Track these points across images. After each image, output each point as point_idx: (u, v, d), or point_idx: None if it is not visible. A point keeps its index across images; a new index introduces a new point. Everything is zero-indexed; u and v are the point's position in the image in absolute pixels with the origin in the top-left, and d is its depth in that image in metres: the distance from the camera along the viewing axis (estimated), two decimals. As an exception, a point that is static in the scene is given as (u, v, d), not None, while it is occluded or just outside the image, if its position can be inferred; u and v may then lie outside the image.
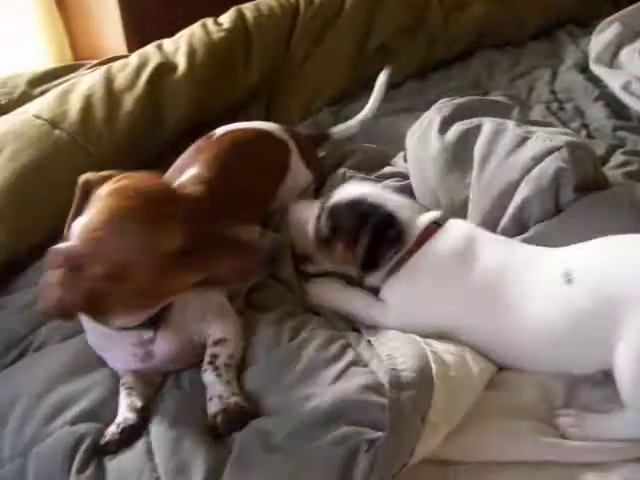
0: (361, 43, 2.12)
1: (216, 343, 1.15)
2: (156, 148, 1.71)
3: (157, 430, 1.06)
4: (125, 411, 1.10)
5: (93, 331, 1.17)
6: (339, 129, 1.79)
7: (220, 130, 1.51)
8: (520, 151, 1.39)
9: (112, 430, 1.07)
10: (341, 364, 1.08)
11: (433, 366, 1.05)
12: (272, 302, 1.27)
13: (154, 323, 1.13)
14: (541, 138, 1.39)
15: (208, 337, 1.17)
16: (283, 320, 1.20)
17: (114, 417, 1.09)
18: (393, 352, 1.07)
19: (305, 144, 1.61)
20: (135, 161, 1.59)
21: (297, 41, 2.00)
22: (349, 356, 1.10)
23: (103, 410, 1.12)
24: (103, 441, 1.06)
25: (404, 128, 1.69)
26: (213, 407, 1.07)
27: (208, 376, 1.11)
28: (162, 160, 1.67)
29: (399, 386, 1.01)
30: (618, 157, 1.63)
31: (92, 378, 1.17)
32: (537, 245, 1.24)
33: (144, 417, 1.09)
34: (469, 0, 2.36)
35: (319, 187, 1.59)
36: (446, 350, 1.11)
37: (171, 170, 1.41)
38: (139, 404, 1.11)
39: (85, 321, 1.15)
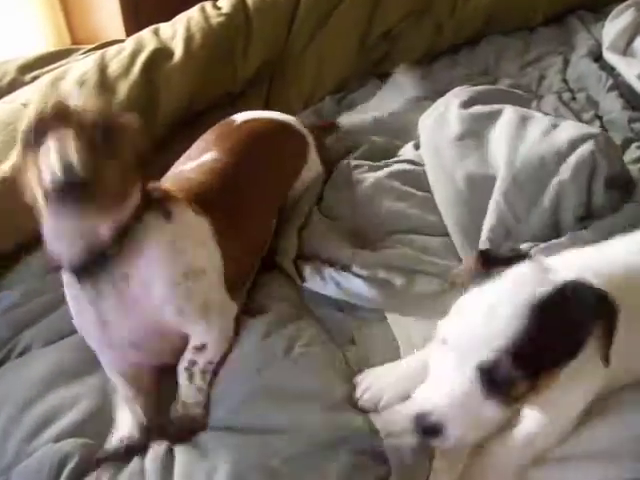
0: (366, 28, 2.03)
1: (196, 349, 1.10)
2: (151, 137, 1.64)
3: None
4: (131, 427, 1.06)
5: (70, 289, 1.08)
6: (350, 122, 1.72)
7: (240, 117, 1.46)
8: (555, 134, 1.36)
9: (115, 445, 1.04)
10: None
11: None
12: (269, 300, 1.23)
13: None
14: (573, 124, 1.37)
15: (189, 338, 1.10)
16: (277, 327, 1.16)
17: (101, 431, 1.04)
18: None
19: (317, 136, 1.56)
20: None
21: (299, 26, 1.91)
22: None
23: (90, 424, 1.07)
24: (101, 454, 1.02)
25: (411, 117, 1.64)
26: (175, 411, 1.07)
27: (181, 378, 1.09)
28: (157, 149, 1.61)
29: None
30: (634, 151, 1.57)
31: (78, 387, 1.13)
32: None
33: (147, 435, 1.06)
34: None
35: (327, 178, 1.54)
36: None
37: (189, 151, 1.37)
38: (144, 421, 1.07)
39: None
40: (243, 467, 0.96)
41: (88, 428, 1.06)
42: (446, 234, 1.36)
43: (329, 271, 1.28)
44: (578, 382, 0.93)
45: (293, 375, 1.08)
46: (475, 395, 0.84)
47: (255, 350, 1.11)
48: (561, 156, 1.31)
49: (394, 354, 1.15)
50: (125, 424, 1.06)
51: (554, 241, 1.25)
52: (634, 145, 1.59)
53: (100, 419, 1.07)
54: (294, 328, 1.16)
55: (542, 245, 1.23)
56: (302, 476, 0.94)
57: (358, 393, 1.06)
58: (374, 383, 1.07)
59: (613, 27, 2.01)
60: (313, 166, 1.51)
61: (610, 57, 1.94)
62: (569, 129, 1.37)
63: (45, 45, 2.36)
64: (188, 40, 1.73)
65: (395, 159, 1.59)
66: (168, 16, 1.87)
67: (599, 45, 2.03)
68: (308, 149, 1.49)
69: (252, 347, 1.12)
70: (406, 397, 1.02)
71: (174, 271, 1.04)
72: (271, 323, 1.16)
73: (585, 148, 1.30)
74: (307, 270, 1.29)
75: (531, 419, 0.96)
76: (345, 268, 1.28)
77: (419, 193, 1.45)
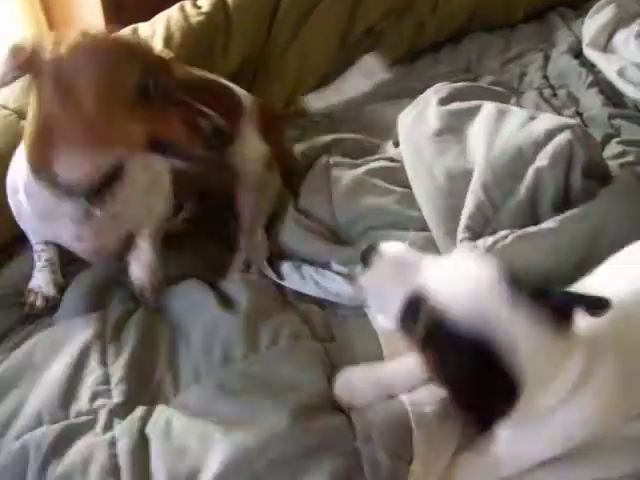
0: (347, 25, 2.03)
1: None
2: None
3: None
4: (49, 284, 1.27)
5: (37, 197, 1.16)
6: (317, 104, 1.70)
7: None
8: (531, 125, 1.36)
9: (38, 300, 1.26)
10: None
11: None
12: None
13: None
14: (550, 116, 1.38)
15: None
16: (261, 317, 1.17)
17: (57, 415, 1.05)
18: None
19: (267, 115, 1.53)
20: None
21: (280, 24, 1.90)
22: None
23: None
24: (27, 310, 1.25)
25: (391, 116, 1.63)
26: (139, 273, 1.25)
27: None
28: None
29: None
30: (614, 147, 1.57)
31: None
32: None
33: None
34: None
35: (297, 173, 1.54)
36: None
37: None
38: (62, 281, 1.29)
39: (31, 185, 1.15)
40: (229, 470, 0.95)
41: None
42: (426, 229, 1.36)
43: (308, 269, 1.27)
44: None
45: (277, 368, 1.08)
46: None
47: (238, 335, 1.12)
48: (538, 145, 1.31)
49: (374, 352, 1.13)
50: (42, 281, 1.27)
51: (531, 228, 1.24)
52: (614, 141, 1.60)
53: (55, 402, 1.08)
54: (278, 320, 1.16)
55: (519, 232, 1.23)
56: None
57: (337, 392, 1.05)
58: (355, 383, 1.07)
59: (593, 23, 2.02)
60: (250, 140, 1.45)
61: (590, 53, 1.95)
62: (546, 120, 1.37)
63: (22, 33, 2.31)
64: (168, 39, 1.72)
65: (375, 156, 1.59)
66: (150, 15, 1.85)
67: (579, 42, 2.03)
68: (243, 120, 1.45)
69: (234, 332, 1.13)
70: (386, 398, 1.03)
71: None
72: (254, 312, 1.17)
73: (562, 137, 1.30)
74: (285, 268, 1.28)
75: (501, 443, 0.94)
76: (324, 266, 1.28)
77: (399, 189, 1.45)
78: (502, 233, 1.24)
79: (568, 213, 1.25)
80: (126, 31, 1.75)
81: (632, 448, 0.97)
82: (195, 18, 1.78)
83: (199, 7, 1.83)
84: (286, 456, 0.95)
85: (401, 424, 0.98)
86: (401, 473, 0.93)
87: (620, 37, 1.94)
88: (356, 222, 1.38)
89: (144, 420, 1.04)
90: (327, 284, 1.25)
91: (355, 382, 1.06)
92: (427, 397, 1.02)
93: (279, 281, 1.28)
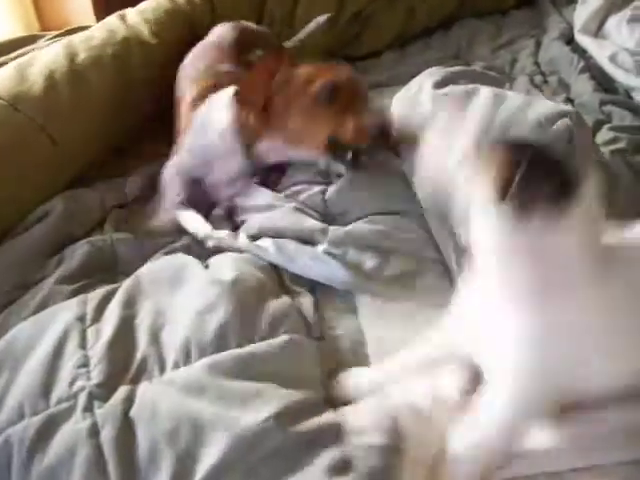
0: (337, 9, 2.02)
1: None
2: (128, 132, 1.61)
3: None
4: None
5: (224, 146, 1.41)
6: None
7: None
8: (529, 110, 1.34)
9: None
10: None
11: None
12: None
13: None
14: (546, 102, 1.38)
15: None
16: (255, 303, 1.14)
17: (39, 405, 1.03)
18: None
19: None
20: (105, 149, 1.53)
21: (270, 8, 1.89)
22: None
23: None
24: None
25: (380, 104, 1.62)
26: None
27: None
28: (135, 144, 1.58)
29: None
30: (605, 133, 1.56)
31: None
32: None
33: None
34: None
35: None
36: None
37: None
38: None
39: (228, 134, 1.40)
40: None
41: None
42: (420, 214, 1.34)
43: (298, 249, 1.26)
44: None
45: (272, 360, 1.05)
46: None
47: (234, 318, 1.10)
48: (537, 131, 1.30)
49: (362, 350, 1.12)
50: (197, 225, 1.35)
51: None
52: (605, 127, 1.59)
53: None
54: (276, 309, 1.14)
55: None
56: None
57: (334, 390, 1.05)
58: (352, 381, 1.06)
59: (585, 9, 2.00)
60: None
61: (581, 39, 1.94)
62: (544, 105, 1.36)
63: (13, 31, 2.30)
64: (156, 26, 1.70)
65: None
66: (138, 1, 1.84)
67: (571, 28, 2.02)
68: None
69: (230, 315, 1.10)
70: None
71: None
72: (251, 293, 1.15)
73: (561, 123, 1.29)
74: (271, 247, 1.26)
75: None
76: (315, 244, 1.26)
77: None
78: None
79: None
80: (114, 17, 1.73)
81: (629, 435, 0.97)
82: (184, 4, 1.76)
83: (187, -6, 1.81)
84: (281, 450, 0.93)
85: (393, 416, 0.96)
86: (392, 465, 0.92)
87: (612, 22, 1.92)
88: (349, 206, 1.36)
89: (128, 402, 1.00)
90: (318, 268, 1.23)
91: (352, 381, 1.06)
92: (420, 391, 1.01)
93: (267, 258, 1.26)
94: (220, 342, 1.07)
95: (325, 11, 1.96)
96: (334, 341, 1.14)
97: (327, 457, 0.92)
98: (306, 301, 1.20)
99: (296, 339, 1.09)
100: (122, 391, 1.02)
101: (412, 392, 1.01)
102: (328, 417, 0.98)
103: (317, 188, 1.39)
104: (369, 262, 1.23)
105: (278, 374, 1.02)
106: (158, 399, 0.99)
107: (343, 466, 0.91)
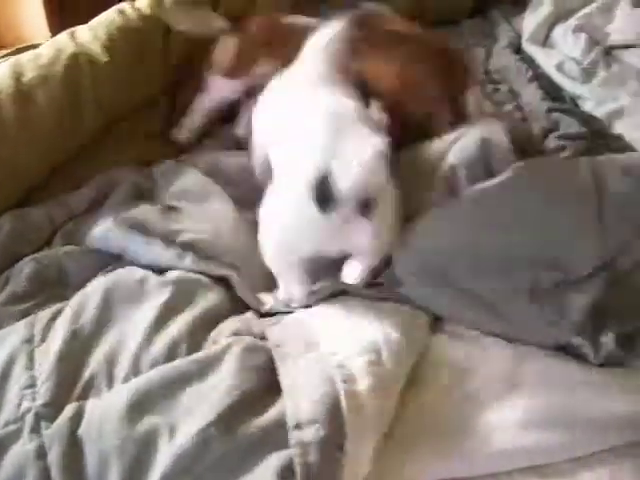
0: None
1: None
2: (75, 150, 1.59)
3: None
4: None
5: None
6: None
7: None
8: None
9: None
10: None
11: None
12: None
13: None
14: None
15: None
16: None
17: None
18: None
19: None
20: (53, 168, 1.51)
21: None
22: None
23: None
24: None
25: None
26: None
27: None
28: (83, 163, 1.57)
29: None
30: (552, 141, 1.60)
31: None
32: None
33: None
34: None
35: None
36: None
37: None
38: None
39: None
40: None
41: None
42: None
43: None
44: None
45: (216, 367, 1.04)
46: None
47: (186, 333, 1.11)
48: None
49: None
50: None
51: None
52: (553, 135, 1.62)
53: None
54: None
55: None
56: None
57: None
58: None
59: (533, 19, 2.05)
60: None
61: (529, 48, 1.99)
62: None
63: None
64: (107, 43, 1.69)
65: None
66: (92, 17, 1.82)
67: (519, 37, 2.07)
68: None
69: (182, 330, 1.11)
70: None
71: None
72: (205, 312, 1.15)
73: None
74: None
75: None
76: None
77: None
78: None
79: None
80: (64, 35, 1.72)
81: (621, 422, 0.99)
82: (135, 21, 1.76)
83: (138, 9, 1.80)
84: (227, 455, 0.93)
85: (332, 406, 0.95)
86: (333, 457, 0.91)
87: (559, 31, 1.98)
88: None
89: (76, 420, 0.99)
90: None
91: None
92: (360, 369, 1.00)
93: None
94: (171, 354, 1.07)
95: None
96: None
97: (276, 458, 0.92)
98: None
99: (237, 344, 1.08)
100: (69, 409, 1.01)
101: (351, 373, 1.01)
102: (272, 414, 0.97)
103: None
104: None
105: (218, 379, 1.02)
106: (106, 414, 0.99)
107: (292, 467, 0.91)
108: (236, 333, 1.11)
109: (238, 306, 1.22)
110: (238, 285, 1.24)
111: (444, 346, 1.10)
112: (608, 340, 1.01)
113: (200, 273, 1.24)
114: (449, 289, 1.13)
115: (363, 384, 0.98)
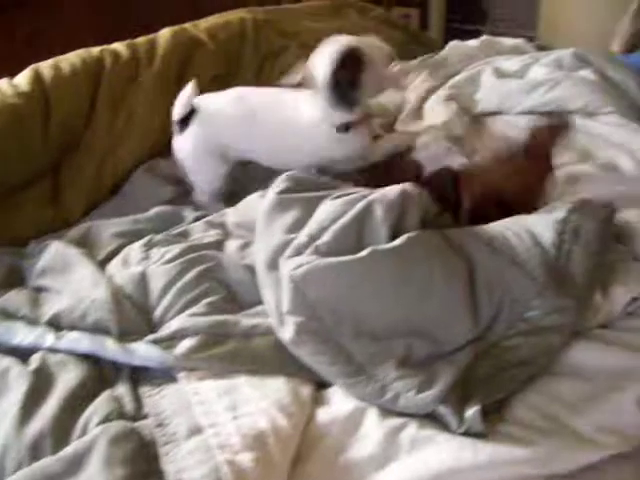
0: (173, 97, 2.04)
1: None
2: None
3: None
4: None
5: None
6: None
7: None
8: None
9: None
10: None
11: None
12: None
13: None
14: None
15: None
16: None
17: None
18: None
19: None
20: None
21: (103, 101, 1.89)
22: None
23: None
24: None
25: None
26: None
27: None
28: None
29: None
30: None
31: None
32: None
33: None
34: (284, 47, 2.40)
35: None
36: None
37: None
38: None
39: None
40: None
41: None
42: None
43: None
44: None
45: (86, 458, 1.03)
46: None
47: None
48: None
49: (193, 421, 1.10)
50: None
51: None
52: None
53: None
54: (92, 406, 1.13)
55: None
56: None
57: None
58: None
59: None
60: None
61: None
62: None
63: None
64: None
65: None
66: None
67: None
68: None
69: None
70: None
71: None
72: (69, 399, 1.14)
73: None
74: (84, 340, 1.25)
75: None
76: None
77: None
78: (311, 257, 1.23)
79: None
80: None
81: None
82: (12, 99, 1.74)
83: (16, 86, 1.79)
84: None
85: None
86: None
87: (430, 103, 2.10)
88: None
89: None
90: (132, 348, 1.22)
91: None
92: (246, 456, 1.01)
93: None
94: (36, 453, 1.05)
95: (162, 99, 2.00)
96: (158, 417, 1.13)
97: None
98: (123, 382, 1.20)
99: (110, 427, 1.07)
100: None
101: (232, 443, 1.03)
102: None
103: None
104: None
105: (91, 476, 1.00)
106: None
107: None
108: (107, 416, 1.10)
109: (111, 378, 1.22)
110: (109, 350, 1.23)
111: (326, 416, 1.13)
112: (471, 411, 1.06)
113: (65, 351, 1.23)
114: (330, 343, 1.16)
115: (251, 470, 0.99)
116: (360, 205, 1.28)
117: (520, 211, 1.36)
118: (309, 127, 1.64)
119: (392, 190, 1.32)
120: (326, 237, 1.25)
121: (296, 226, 1.31)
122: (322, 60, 1.57)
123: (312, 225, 1.29)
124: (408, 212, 1.29)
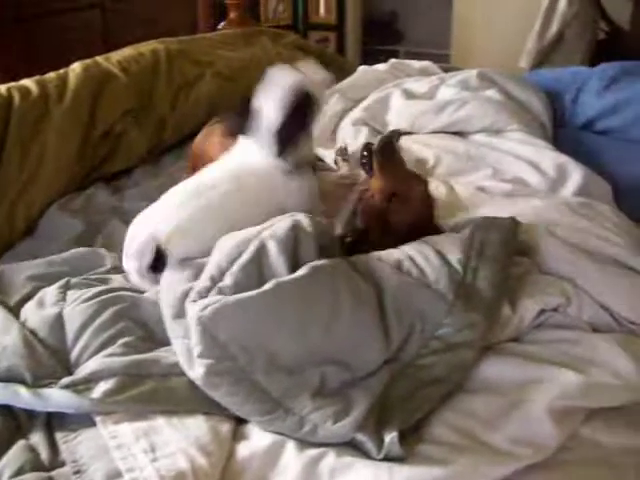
0: (85, 132, 2.04)
1: None
2: None
3: None
4: None
5: None
6: None
7: None
8: None
9: None
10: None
11: None
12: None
13: None
14: None
15: None
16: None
17: None
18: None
19: None
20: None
21: (12, 139, 1.85)
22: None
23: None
24: None
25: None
26: None
27: None
28: None
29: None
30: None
31: None
32: None
33: None
34: (199, 76, 2.41)
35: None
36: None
37: None
38: None
39: None
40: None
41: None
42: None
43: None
44: None
45: None
46: None
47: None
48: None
49: (112, 467, 1.07)
50: None
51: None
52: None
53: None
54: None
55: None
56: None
57: None
58: None
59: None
60: None
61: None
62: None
63: None
64: None
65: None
66: None
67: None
68: None
69: None
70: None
71: None
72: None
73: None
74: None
75: None
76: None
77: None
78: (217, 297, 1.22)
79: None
80: None
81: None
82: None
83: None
84: None
85: None
86: None
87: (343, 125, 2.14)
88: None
89: None
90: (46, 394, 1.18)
91: None
92: None
93: None
94: None
95: (75, 134, 2.00)
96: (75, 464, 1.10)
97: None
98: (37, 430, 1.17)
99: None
100: None
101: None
102: None
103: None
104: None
105: None
106: None
107: None
108: (20, 469, 1.07)
109: (26, 425, 1.18)
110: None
111: (246, 451, 1.12)
112: (389, 437, 1.06)
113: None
114: (244, 382, 1.16)
115: None
116: (254, 244, 1.29)
117: (414, 230, 1.41)
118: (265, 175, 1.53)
119: (282, 225, 1.33)
120: (228, 280, 1.25)
121: (194, 276, 1.32)
122: (272, 104, 1.49)
123: (211, 268, 1.29)
124: (302, 243, 1.30)
